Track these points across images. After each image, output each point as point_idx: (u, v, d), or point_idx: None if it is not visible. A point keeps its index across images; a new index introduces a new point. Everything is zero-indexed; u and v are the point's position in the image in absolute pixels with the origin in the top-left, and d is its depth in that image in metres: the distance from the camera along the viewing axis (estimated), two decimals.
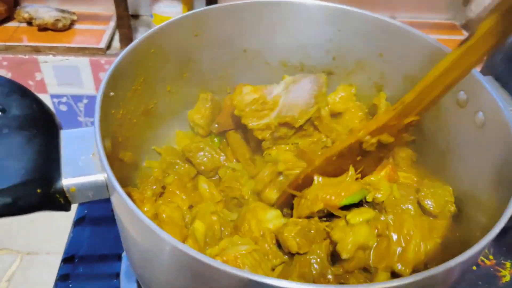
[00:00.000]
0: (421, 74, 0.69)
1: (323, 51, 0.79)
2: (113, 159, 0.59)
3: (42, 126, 0.49)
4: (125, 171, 0.65)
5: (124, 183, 0.63)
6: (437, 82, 0.48)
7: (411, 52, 0.69)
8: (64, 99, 1.18)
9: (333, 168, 0.57)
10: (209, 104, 0.76)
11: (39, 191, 0.44)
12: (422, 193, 0.64)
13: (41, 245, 1.44)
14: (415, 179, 0.69)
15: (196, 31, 0.71)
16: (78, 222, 0.85)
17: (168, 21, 0.66)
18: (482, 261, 0.80)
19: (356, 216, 0.56)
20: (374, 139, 0.53)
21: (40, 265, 1.40)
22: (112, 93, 0.57)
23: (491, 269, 0.78)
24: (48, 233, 1.45)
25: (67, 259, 0.79)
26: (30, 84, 1.13)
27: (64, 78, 1.12)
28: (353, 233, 0.54)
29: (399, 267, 0.55)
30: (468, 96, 0.62)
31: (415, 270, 0.55)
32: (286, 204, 0.64)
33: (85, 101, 1.17)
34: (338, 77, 0.80)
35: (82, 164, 0.49)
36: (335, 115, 0.78)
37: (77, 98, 1.17)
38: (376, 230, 0.57)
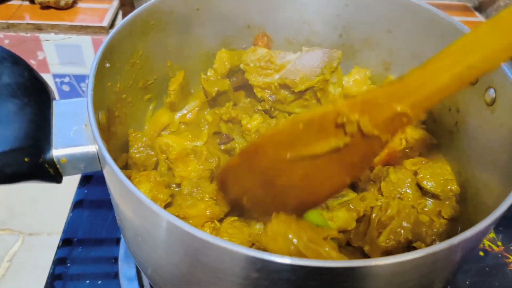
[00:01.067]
0: (432, 52, 0.67)
1: (330, 27, 0.76)
2: (109, 133, 0.57)
3: (34, 95, 0.48)
4: (122, 146, 0.64)
5: (119, 157, 0.62)
6: (450, 63, 0.36)
7: (421, 28, 0.67)
8: (66, 79, 1.16)
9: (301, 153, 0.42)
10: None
11: (27, 160, 0.42)
12: (421, 175, 0.62)
13: (43, 226, 1.43)
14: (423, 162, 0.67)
15: (198, 4, 0.69)
16: (77, 204, 0.83)
17: None
18: (490, 247, 0.78)
19: (334, 200, 0.56)
20: (353, 116, 0.39)
21: (41, 245, 1.39)
22: (108, 64, 0.55)
23: (499, 256, 0.76)
24: (50, 214, 1.44)
25: (65, 242, 0.77)
26: (32, 63, 1.11)
27: (67, 57, 1.11)
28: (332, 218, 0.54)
29: (367, 249, 0.54)
30: None
31: (387, 253, 0.52)
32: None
33: (87, 81, 1.16)
34: (345, 55, 0.77)
35: (74, 135, 0.48)
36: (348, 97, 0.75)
37: (80, 78, 1.15)
38: (357, 213, 0.57)
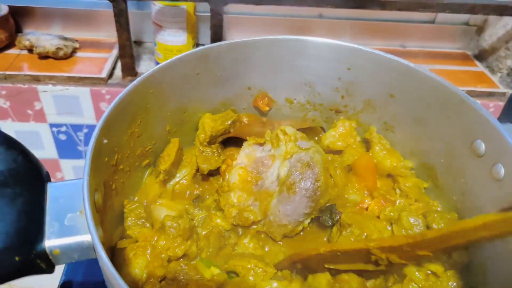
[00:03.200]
0: (434, 117, 0.66)
1: (331, 89, 0.75)
2: (105, 208, 0.55)
3: (27, 182, 0.46)
4: (118, 217, 0.61)
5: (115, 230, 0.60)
6: (463, 235, 0.46)
7: (424, 95, 0.66)
8: (63, 128, 1.14)
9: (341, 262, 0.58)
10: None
11: (18, 259, 0.40)
12: (431, 218, 0.63)
13: (34, 280, 1.39)
14: (421, 204, 0.68)
15: (198, 69, 0.68)
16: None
17: (168, 61, 0.63)
18: None
19: None
20: (383, 255, 0.52)
21: None
22: (105, 141, 0.54)
23: None
24: None
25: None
26: (29, 113, 1.10)
27: (64, 107, 1.09)
28: None
29: None
30: (485, 145, 0.58)
31: None
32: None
33: (85, 130, 1.14)
34: (347, 116, 0.77)
35: (69, 223, 0.46)
36: (334, 152, 0.74)
37: (77, 127, 1.14)
38: None
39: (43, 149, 1.18)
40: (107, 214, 0.56)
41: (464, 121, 0.61)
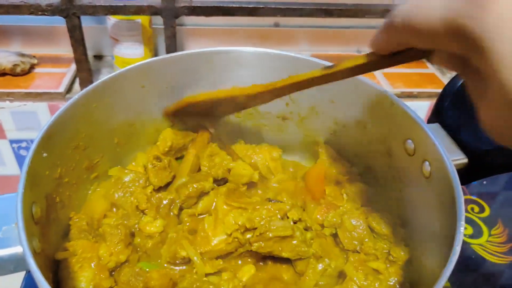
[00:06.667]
0: (371, 120, 0.69)
1: None
2: (48, 221, 0.56)
3: None
4: (65, 230, 0.62)
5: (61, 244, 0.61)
6: (296, 85, 0.60)
7: (360, 98, 0.69)
8: (24, 144, 1.15)
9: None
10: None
11: None
12: (371, 217, 0.65)
13: None
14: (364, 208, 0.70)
15: (143, 82, 0.70)
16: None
17: (109, 76, 0.65)
18: None
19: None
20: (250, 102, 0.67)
21: None
22: (45, 154, 0.55)
23: None
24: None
25: None
26: None
27: (23, 123, 1.10)
28: None
29: None
30: (415, 144, 0.61)
31: None
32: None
33: None
34: (293, 122, 0.80)
35: (3, 236, 0.47)
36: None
37: None
38: None
39: (4, 165, 1.18)
40: (51, 227, 0.57)
41: (396, 122, 0.64)
